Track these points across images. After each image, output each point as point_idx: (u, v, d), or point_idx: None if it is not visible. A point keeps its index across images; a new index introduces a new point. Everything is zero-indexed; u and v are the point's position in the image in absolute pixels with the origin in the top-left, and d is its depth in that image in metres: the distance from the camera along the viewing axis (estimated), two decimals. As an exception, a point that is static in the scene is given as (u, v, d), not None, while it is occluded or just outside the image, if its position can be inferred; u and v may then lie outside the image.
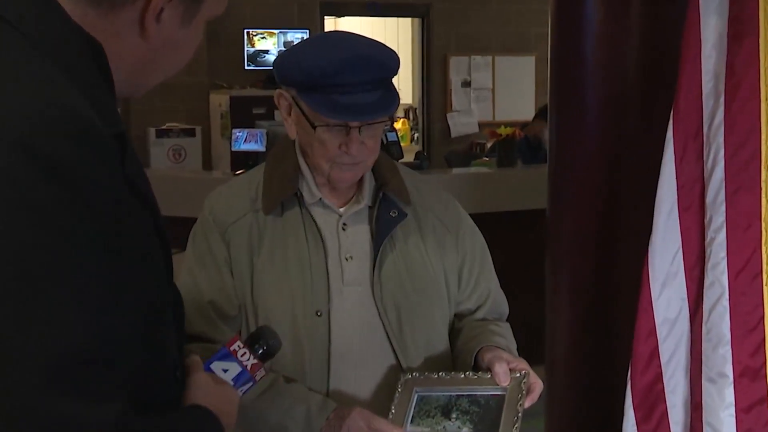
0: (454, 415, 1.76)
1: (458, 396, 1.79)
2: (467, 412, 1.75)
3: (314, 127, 1.82)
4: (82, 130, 1.02)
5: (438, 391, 1.80)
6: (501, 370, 1.80)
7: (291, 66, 1.82)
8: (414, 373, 1.87)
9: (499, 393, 1.76)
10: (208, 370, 1.42)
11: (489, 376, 1.80)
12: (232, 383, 1.42)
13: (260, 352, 1.48)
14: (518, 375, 1.79)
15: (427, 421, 1.76)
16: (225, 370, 1.43)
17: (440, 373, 1.85)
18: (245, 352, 1.45)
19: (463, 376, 1.82)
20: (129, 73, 1.18)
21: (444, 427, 1.74)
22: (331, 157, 1.85)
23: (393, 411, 1.78)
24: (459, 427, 1.73)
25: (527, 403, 1.77)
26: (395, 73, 1.86)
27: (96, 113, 1.06)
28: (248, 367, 1.44)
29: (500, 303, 2.10)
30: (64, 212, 0.98)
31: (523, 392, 1.74)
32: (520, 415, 1.70)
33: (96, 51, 1.13)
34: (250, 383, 1.45)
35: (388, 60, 1.82)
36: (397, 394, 1.82)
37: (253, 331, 1.54)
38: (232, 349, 1.46)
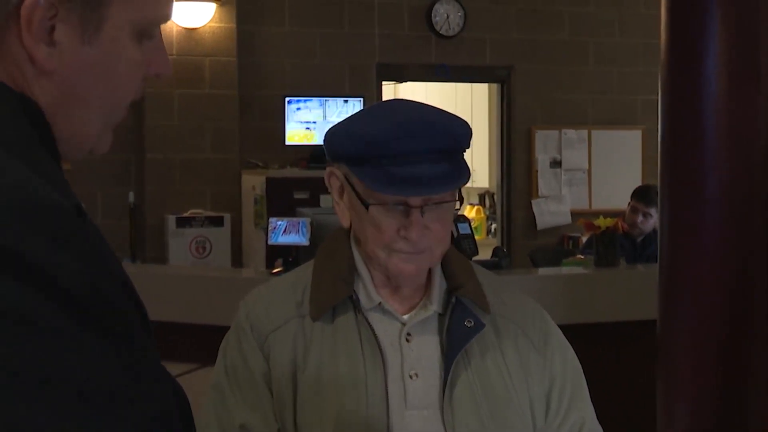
0: None
1: None
2: None
3: (367, 207, 1.85)
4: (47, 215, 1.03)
5: None
6: None
7: (340, 136, 1.88)
8: None
9: None
10: None
11: None
12: None
13: None
14: None
15: None
16: None
17: None
18: None
19: None
20: (60, 123, 1.18)
21: None
22: (386, 243, 1.87)
23: None
24: None
25: None
26: (465, 143, 1.89)
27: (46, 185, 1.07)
28: None
29: None
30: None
31: None
32: None
33: (29, 110, 1.14)
34: None
35: (456, 127, 1.86)
36: None
37: None
38: None
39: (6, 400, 0.98)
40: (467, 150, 1.93)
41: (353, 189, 1.89)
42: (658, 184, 3.07)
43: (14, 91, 1.13)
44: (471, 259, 3.08)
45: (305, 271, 2.03)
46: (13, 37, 1.12)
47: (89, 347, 1.03)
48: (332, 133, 1.91)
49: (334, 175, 1.94)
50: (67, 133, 1.19)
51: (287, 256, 5.41)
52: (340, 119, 1.98)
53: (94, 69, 1.17)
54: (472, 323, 1.95)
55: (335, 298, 1.94)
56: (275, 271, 5.08)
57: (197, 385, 2.01)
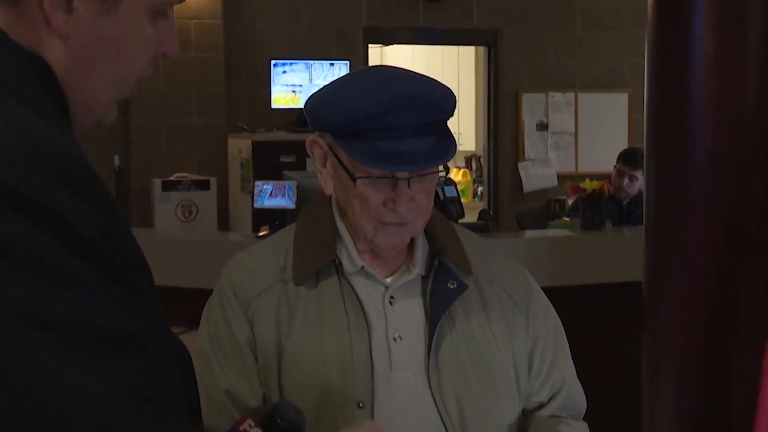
0: None
1: None
2: None
3: (354, 180, 1.85)
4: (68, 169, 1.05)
5: None
6: None
7: (327, 108, 1.86)
8: None
9: None
10: None
11: None
12: None
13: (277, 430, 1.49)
14: None
15: None
16: None
17: None
18: None
19: None
20: (70, 87, 1.20)
21: None
22: (374, 215, 1.87)
23: None
24: None
25: None
26: (451, 114, 1.89)
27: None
28: None
29: (576, 397, 2.10)
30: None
31: None
32: None
33: (41, 69, 1.16)
34: None
35: (444, 99, 1.85)
36: None
37: (269, 407, 1.56)
38: (241, 428, 1.47)
39: (26, 342, 0.99)
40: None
41: (339, 161, 1.88)
42: (644, 147, 3.07)
43: (31, 54, 1.16)
44: (457, 222, 3.09)
45: (286, 236, 2.03)
46: (33, 0, 1.15)
47: (105, 292, 1.05)
48: (316, 104, 1.90)
49: (317, 144, 1.93)
50: (74, 100, 1.21)
51: (273, 220, 5.41)
52: (326, 83, 1.97)
53: (107, 41, 1.20)
54: (455, 285, 1.95)
55: (318, 263, 1.93)
56: (261, 234, 5.08)
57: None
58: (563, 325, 2.13)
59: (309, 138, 1.95)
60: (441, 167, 1.91)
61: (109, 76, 1.24)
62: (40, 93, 1.15)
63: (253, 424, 1.48)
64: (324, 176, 1.95)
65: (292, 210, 5.46)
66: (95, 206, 1.07)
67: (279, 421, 1.51)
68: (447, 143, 1.87)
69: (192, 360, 1.35)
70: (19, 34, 1.16)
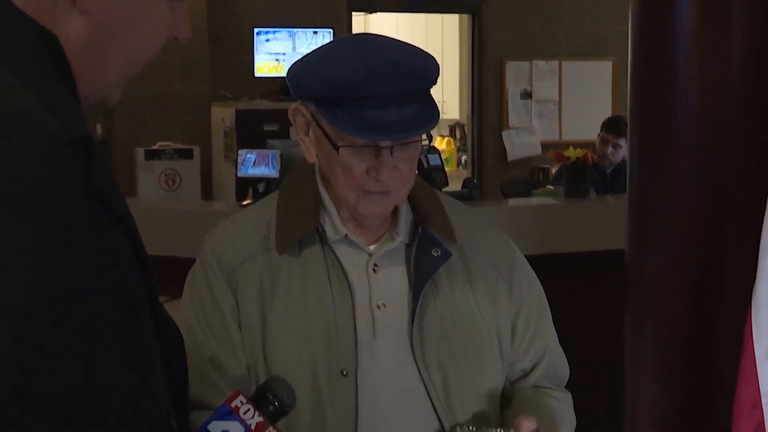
0: None
1: None
2: None
3: (337, 149, 1.85)
4: (19, 129, 1.05)
5: None
6: (525, 422, 1.83)
7: (309, 76, 1.86)
8: (470, 427, 1.90)
9: None
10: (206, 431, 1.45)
11: None
12: None
13: (270, 409, 1.51)
14: None
15: None
16: (225, 431, 1.46)
17: (498, 430, 1.89)
18: (249, 409, 1.48)
19: None
20: (83, 64, 1.20)
21: None
22: (357, 184, 1.87)
23: None
24: None
25: None
26: (434, 83, 1.88)
27: (50, 113, 1.09)
28: (252, 427, 1.47)
29: (559, 365, 2.12)
30: None
31: None
32: None
33: (48, 41, 1.15)
34: None
35: (427, 68, 1.85)
36: None
37: (261, 384, 1.57)
38: (233, 405, 1.48)
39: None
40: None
41: (322, 130, 1.88)
42: (628, 115, 3.07)
43: (37, 24, 1.15)
44: (441, 191, 3.10)
45: (269, 205, 2.02)
46: None
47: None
48: (299, 72, 1.89)
49: (299, 113, 1.93)
50: (87, 76, 1.21)
51: (257, 189, 5.40)
52: (309, 51, 1.97)
53: (128, 20, 1.21)
54: (439, 253, 1.96)
55: (301, 231, 1.93)
56: (245, 203, 5.07)
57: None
58: (546, 293, 2.14)
59: (291, 106, 1.95)
60: (424, 135, 1.91)
61: (124, 56, 1.24)
62: (41, 63, 1.14)
63: (244, 401, 1.49)
64: (307, 145, 1.95)
65: (275, 179, 5.46)
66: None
67: (270, 397, 1.52)
68: (430, 112, 1.86)
69: (182, 338, 1.35)
70: (36, 8, 1.15)
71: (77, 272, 1.07)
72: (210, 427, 1.47)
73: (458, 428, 1.90)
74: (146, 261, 1.24)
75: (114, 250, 1.16)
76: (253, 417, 1.47)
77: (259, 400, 1.51)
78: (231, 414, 1.47)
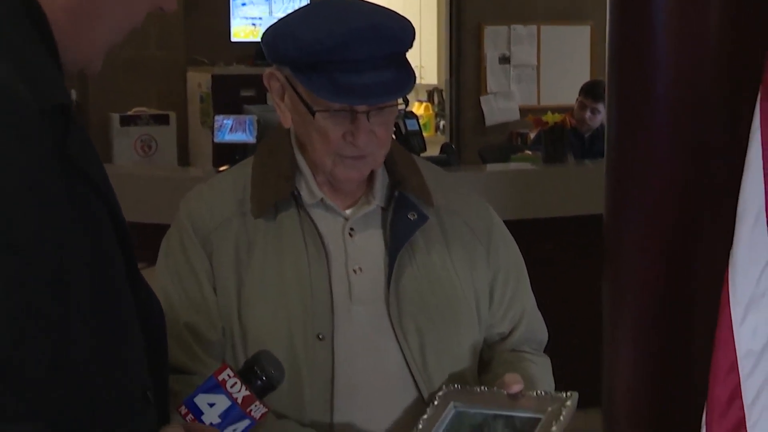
0: None
1: (495, 416, 1.86)
2: None
3: (313, 114, 1.85)
4: None
5: (477, 408, 1.88)
6: (511, 378, 1.85)
7: (284, 40, 1.85)
8: (456, 385, 1.92)
9: (536, 416, 1.83)
10: (192, 404, 1.45)
11: (536, 394, 1.86)
12: (219, 420, 1.44)
13: (257, 383, 1.50)
14: (563, 395, 1.84)
15: None
16: (211, 404, 1.46)
17: (483, 388, 1.91)
18: (236, 383, 1.48)
19: (506, 392, 1.88)
20: (68, 33, 1.20)
21: None
22: (333, 149, 1.87)
23: (420, 427, 1.85)
24: None
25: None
26: (410, 47, 1.88)
27: (25, 81, 1.08)
28: (239, 401, 1.46)
29: (537, 328, 2.13)
30: None
31: (560, 418, 1.80)
32: None
33: (32, 9, 1.15)
34: (246, 421, 1.47)
35: (402, 31, 1.85)
36: (432, 406, 1.89)
37: (249, 358, 1.57)
38: (220, 378, 1.48)
39: None
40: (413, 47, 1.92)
41: (297, 94, 1.88)
42: (606, 80, 3.07)
43: None
44: (419, 156, 3.10)
45: (245, 169, 2.02)
46: None
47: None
48: (274, 35, 1.88)
49: (274, 77, 1.92)
50: (71, 45, 1.20)
51: (234, 155, 5.39)
52: (285, 15, 1.96)
53: None
54: (416, 216, 1.96)
55: (277, 195, 1.93)
56: (222, 170, 5.06)
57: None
58: (525, 258, 2.14)
59: (266, 71, 1.94)
60: (400, 100, 1.91)
61: (109, 25, 1.24)
62: (21, 30, 1.14)
63: (232, 374, 1.49)
64: (282, 109, 1.94)
65: (252, 144, 5.45)
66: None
67: (258, 371, 1.51)
68: (406, 76, 1.86)
69: (162, 311, 1.35)
70: None
71: (49, 240, 1.06)
72: (196, 399, 1.46)
73: (444, 387, 1.92)
74: (125, 231, 1.23)
75: (90, 219, 1.15)
76: (240, 391, 1.47)
77: (246, 374, 1.51)
78: (218, 387, 1.47)
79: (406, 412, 1.93)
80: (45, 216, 1.07)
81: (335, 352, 1.90)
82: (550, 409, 1.82)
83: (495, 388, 1.89)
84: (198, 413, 1.46)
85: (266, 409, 1.50)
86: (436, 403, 1.89)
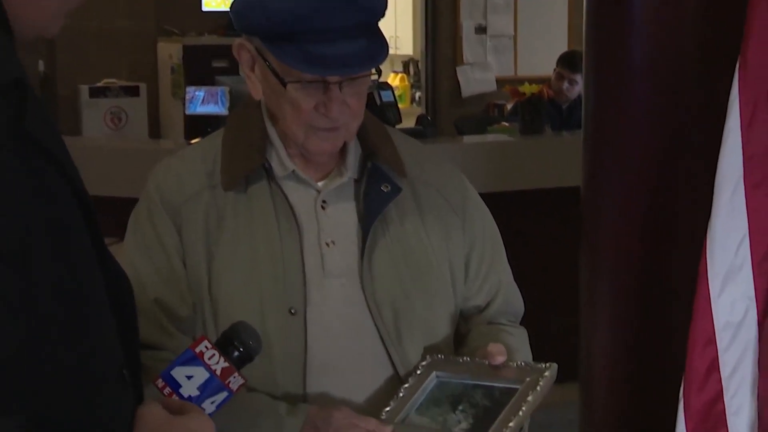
0: (461, 407, 1.86)
1: (475, 386, 1.88)
2: (475, 406, 1.85)
3: (284, 85, 1.84)
4: None
5: (459, 378, 1.90)
6: (495, 349, 1.86)
7: (254, 9, 1.84)
8: (440, 355, 1.93)
9: (515, 387, 1.85)
10: (169, 377, 1.45)
11: (516, 365, 1.88)
12: (198, 393, 1.44)
13: (235, 354, 1.50)
14: (542, 366, 1.86)
15: (432, 411, 1.86)
16: (189, 377, 1.46)
17: (466, 358, 1.93)
18: (214, 354, 1.47)
19: (487, 362, 1.90)
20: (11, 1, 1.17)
21: (445, 419, 1.84)
22: (305, 121, 1.87)
23: (401, 395, 1.88)
24: (459, 422, 1.83)
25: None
26: (382, 15, 1.88)
27: None
28: (217, 372, 1.46)
29: (513, 300, 2.14)
30: None
31: (537, 388, 1.82)
32: (521, 413, 1.79)
33: None
34: (224, 393, 1.47)
35: (374, 0, 1.83)
36: (414, 375, 1.90)
37: (226, 329, 1.56)
38: (197, 350, 1.48)
39: None
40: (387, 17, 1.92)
41: (268, 65, 1.87)
42: (583, 50, 3.07)
43: None
44: (394, 128, 3.09)
45: (215, 141, 2.01)
46: None
47: None
48: (243, 5, 1.87)
49: (244, 48, 1.91)
50: (21, 14, 1.18)
51: (206, 127, 5.37)
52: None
53: None
54: (389, 188, 1.96)
55: (247, 167, 1.92)
56: (194, 142, 5.04)
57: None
58: (502, 231, 2.15)
59: (236, 41, 1.93)
60: (374, 70, 1.90)
61: None
62: None
63: (209, 345, 1.48)
64: (252, 81, 1.93)
65: (225, 116, 5.43)
66: None
67: (236, 342, 1.51)
68: (379, 45, 1.86)
69: (131, 293, 1.34)
70: None
71: (4, 215, 1.05)
72: (173, 372, 1.46)
73: (428, 356, 1.93)
74: (89, 207, 1.22)
75: (50, 195, 1.14)
76: (218, 362, 1.47)
77: (224, 346, 1.50)
78: (195, 359, 1.47)
79: (381, 386, 1.93)
80: (1, 192, 1.05)
81: (308, 327, 1.90)
82: (528, 379, 1.84)
83: (477, 359, 1.90)
84: (176, 386, 1.45)
85: (243, 381, 1.50)
86: (419, 372, 1.91)
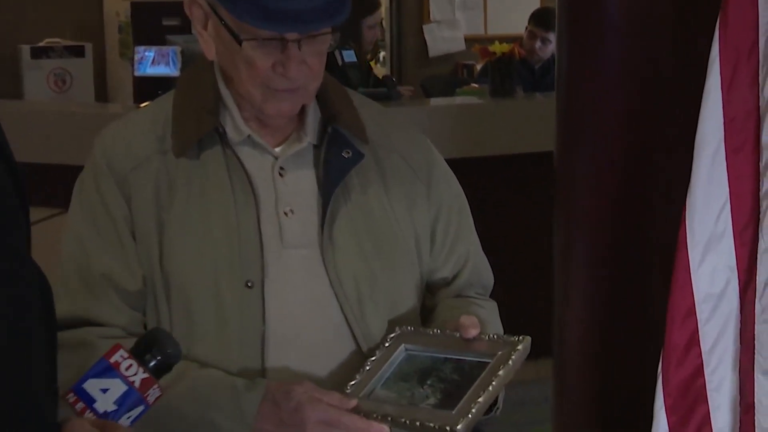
0: (429, 381, 1.86)
1: (445, 360, 1.89)
2: (444, 380, 1.86)
3: (240, 42, 1.83)
4: None
5: (428, 352, 1.91)
6: (468, 321, 1.87)
7: None
8: (409, 327, 1.94)
9: (486, 360, 1.86)
10: (81, 391, 1.40)
11: (488, 338, 1.89)
12: (115, 407, 1.40)
13: (152, 363, 1.47)
14: (515, 339, 1.87)
15: (399, 385, 1.87)
16: (104, 390, 1.42)
17: (436, 330, 1.94)
18: (131, 364, 1.44)
19: (458, 335, 1.90)
20: None
21: (413, 394, 1.85)
22: (262, 81, 1.86)
23: (368, 367, 1.89)
24: (427, 397, 1.83)
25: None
26: None
27: None
28: (136, 384, 1.43)
29: (482, 271, 2.14)
30: None
31: (509, 362, 1.82)
32: (491, 388, 1.79)
33: None
34: (141, 407, 1.43)
35: None
36: (382, 347, 1.92)
37: (141, 337, 1.53)
38: (113, 360, 1.44)
39: None
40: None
41: (222, 22, 1.85)
42: (556, 6, 3.07)
43: None
44: (357, 89, 3.08)
45: (165, 104, 2.00)
46: None
47: None
48: None
49: (196, 4, 1.90)
50: None
51: (157, 89, 5.34)
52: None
53: None
54: (350, 154, 1.96)
55: (200, 131, 1.92)
56: (143, 105, 5.02)
57: (61, 232, 1.98)
58: (470, 199, 2.15)
59: None
60: (334, 27, 1.89)
61: None
62: None
63: (126, 355, 1.45)
64: (205, 39, 1.92)
65: (176, 78, 5.40)
66: None
67: (153, 351, 1.48)
68: (340, 1, 1.85)
69: (51, 294, 1.30)
70: None
71: None
72: (86, 386, 1.41)
73: (397, 328, 1.94)
74: (25, 194, 1.20)
75: None
76: (136, 373, 1.44)
77: (140, 354, 1.47)
78: (111, 370, 1.43)
79: (344, 360, 1.94)
80: None
81: (266, 300, 1.90)
82: (500, 352, 1.85)
83: (448, 331, 1.91)
84: (89, 401, 1.41)
85: (160, 393, 1.47)
86: (387, 344, 1.92)
